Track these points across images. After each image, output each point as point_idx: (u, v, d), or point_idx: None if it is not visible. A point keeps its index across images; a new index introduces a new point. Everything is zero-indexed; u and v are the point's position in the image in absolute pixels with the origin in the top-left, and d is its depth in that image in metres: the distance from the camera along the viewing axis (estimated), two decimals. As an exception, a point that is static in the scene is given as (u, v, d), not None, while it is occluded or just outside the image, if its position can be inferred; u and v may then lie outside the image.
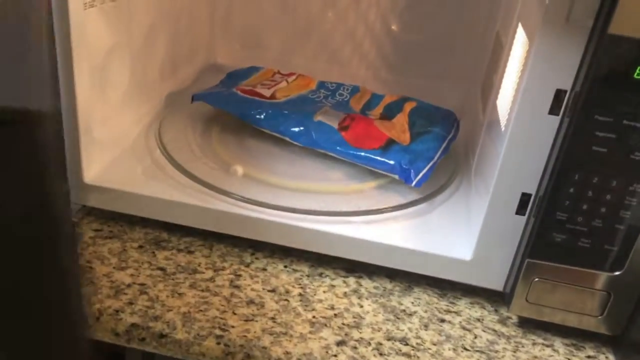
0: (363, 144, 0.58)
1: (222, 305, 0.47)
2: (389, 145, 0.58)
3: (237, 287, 0.49)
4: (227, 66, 0.74)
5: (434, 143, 0.59)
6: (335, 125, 0.60)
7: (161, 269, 0.50)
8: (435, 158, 0.58)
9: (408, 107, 0.63)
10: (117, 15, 0.53)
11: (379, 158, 0.57)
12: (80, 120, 0.49)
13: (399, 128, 0.60)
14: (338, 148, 0.58)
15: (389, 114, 0.63)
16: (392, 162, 0.56)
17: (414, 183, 0.55)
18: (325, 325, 0.47)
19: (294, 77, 0.68)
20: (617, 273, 0.45)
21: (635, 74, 0.39)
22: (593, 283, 0.46)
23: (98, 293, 0.46)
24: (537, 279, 0.47)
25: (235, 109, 0.62)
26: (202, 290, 0.48)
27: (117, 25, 0.53)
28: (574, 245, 0.45)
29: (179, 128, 0.63)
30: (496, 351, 0.47)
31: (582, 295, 0.46)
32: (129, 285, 0.47)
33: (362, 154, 0.57)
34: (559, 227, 0.44)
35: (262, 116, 0.60)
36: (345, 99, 0.66)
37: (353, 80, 0.69)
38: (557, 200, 0.44)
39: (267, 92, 0.64)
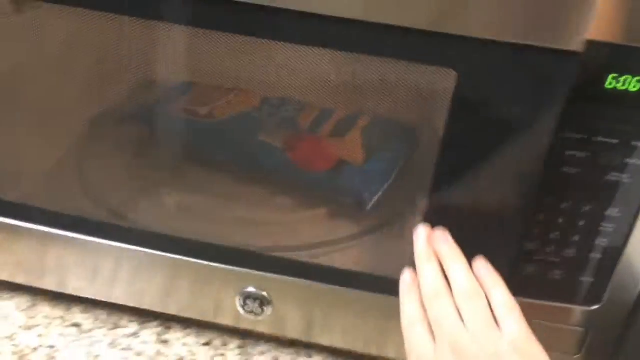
0: (311, 165, 0.52)
1: (146, 367, 0.40)
2: (340, 166, 0.52)
3: (165, 342, 0.42)
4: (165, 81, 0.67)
5: (391, 163, 0.53)
6: (281, 146, 0.54)
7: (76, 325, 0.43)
8: (392, 179, 0.52)
9: (361, 123, 0.57)
10: (20, 30, 0.46)
11: (329, 181, 0.51)
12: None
13: (352, 147, 0.55)
14: (283, 171, 0.52)
15: (340, 131, 0.58)
16: (343, 185, 0.50)
17: (369, 207, 0.49)
18: (268, 384, 0.41)
19: (234, 92, 0.61)
20: (594, 307, 0.40)
21: (607, 83, 0.34)
22: (568, 319, 0.41)
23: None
24: (506, 317, 0.41)
25: (167, 132, 0.55)
26: (124, 349, 0.41)
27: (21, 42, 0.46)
28: (545, 278, 0.39)
29: (105, 155, 0.55)
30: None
31: (556, 333, 0.41)
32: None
33: (310, 177, 0.51)
34: (527, 259, 0.39)
35: (199, 138, 0.54)
36: (292, 116, 0.60)
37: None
38: (525, 228, 0.38)
39: (203, 111, 0.58)
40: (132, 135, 0.59)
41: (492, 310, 0.32)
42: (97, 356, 0.40)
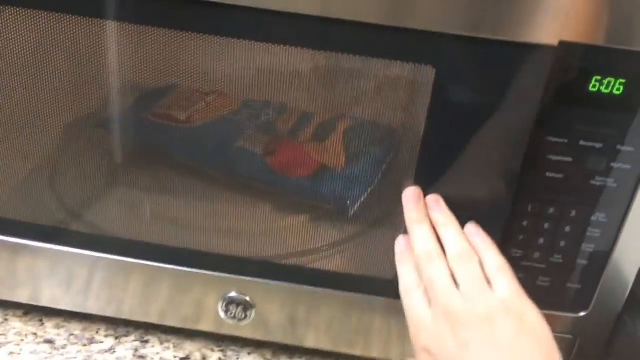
0: (291, 171, 0.51)
1: (122, 385, 0.39)
2: (321, 171, 0.51)
3: (143, 357, 0.41)
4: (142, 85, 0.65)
5: (373, 166, 0.52)
6: (260, 151, 0.52)
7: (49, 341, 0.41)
8: (375, 183, 0.51)
9: (342, 126, 0.56)
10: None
11: (309, 187, 0.50)
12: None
13: (333, 151, 0.53)
14: (263, 177, 0.51)
15: (321, 135, 0.56)
16: (324, 190, 0.49)
17: (351, 213, 0.48)
18: (250, 398, 0.39)
19: (213, 96, 0.60)
20: (582, 314, 0.39)
21: (591, 86, 0.33)
22: (555, 326, 0.39)
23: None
24: (492, 325, 0.40)
25: (143, 138, 0.53)
26: (99, 366, 0.40)
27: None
28: (531, 285, 0.39)
29: (78, 164, 0.54)
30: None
31: (544, 340, 0.40)
32: (6, 367, 0.39)
33: (290, 183, 0.50)
34: (514, 265, 0.38)
35: (174, 144, 0.52)
36: (272, 120, 0.58)
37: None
38: (510, 235, 0.37)
39: (182, 116, 0.56)
40: (107, 143, 0.58)
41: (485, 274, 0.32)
42: (71, 374, 0.39)
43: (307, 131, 0.60)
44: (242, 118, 0.60)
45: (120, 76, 0.69)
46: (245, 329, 0.42)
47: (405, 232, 0.37)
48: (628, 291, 0.39)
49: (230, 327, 0.42)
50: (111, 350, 0.41)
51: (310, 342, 0.42)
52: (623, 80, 0.33)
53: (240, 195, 0.54)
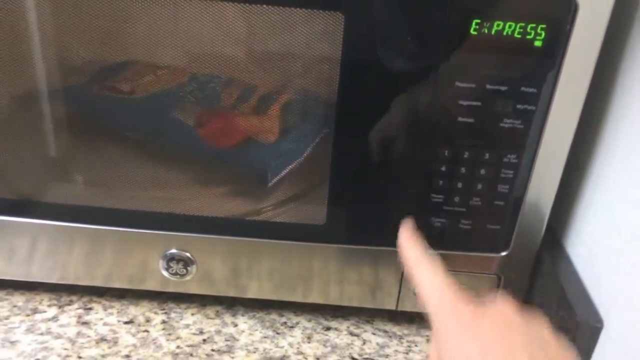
0: (217, 141, 0.52)
1: (65, 350, 0.39)
2: (247, 143, 0.52)
3: (86, 323, 0.42)
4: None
5: (304, 142, 0.53)
6: (191, 122, 0.53)
7: (-8, 314, 0.42)
8: (302, 158, 0.52)
9: (282, 99, 0.57)
10: None
11: (232, 157, 0.51)
12: None
13: (267, 124, 0.55)
14: (191, 146, 0.52)
15: (261, 108, 0.57)
16: (247, 161, 0.50)
17: (270, 184, 0.49)
18: (191, 355, 0.40)
19: (164, 70, 0.60)
20: (503, 254, 0.41)
21: (493, 31, 0.35)
22: (481, 267, 0.42)
23: None
24: (422, 270, 0.42)
25: (82, 108, 0.54)
26: (42, 334, 0.40)
27: None
28: (454, 229, 0.40)
29: (20, 136, 0.54)
30: (387, 355, 0.42)
31: (472, 281, 0.42)
32: (-53, 340, 0.39)
33: (214, 152, 0.51)
34: (435, 211, 0.40)
35: (111, 114, 0.53)
36: (217, 93, 0.59)
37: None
38: (430, 181, 0.39)
39: (126, 87, 0.56)
40: (53, 115, 0.58)
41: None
42: (14, 342, 0.39)
43: (249, 104, 0.61)
44: (187, 91, 0.61)
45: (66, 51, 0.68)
46: (189, 285, 0.43)
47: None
48: (543, 230, 0.41)
49: (175, 284, 0.43)
50: (54, 318, 0.42)
51: (252, 292, 0.43)
52: (522, 24, 0.35)
53: (168, 164, 0.54)
